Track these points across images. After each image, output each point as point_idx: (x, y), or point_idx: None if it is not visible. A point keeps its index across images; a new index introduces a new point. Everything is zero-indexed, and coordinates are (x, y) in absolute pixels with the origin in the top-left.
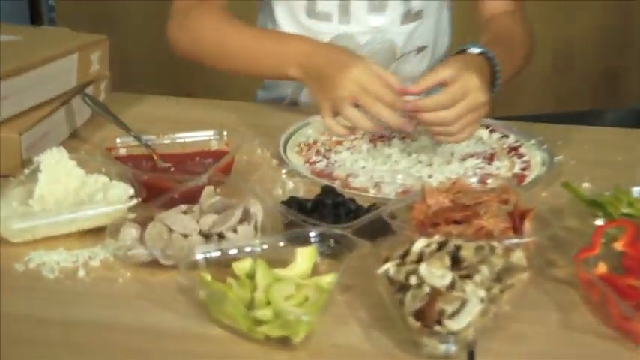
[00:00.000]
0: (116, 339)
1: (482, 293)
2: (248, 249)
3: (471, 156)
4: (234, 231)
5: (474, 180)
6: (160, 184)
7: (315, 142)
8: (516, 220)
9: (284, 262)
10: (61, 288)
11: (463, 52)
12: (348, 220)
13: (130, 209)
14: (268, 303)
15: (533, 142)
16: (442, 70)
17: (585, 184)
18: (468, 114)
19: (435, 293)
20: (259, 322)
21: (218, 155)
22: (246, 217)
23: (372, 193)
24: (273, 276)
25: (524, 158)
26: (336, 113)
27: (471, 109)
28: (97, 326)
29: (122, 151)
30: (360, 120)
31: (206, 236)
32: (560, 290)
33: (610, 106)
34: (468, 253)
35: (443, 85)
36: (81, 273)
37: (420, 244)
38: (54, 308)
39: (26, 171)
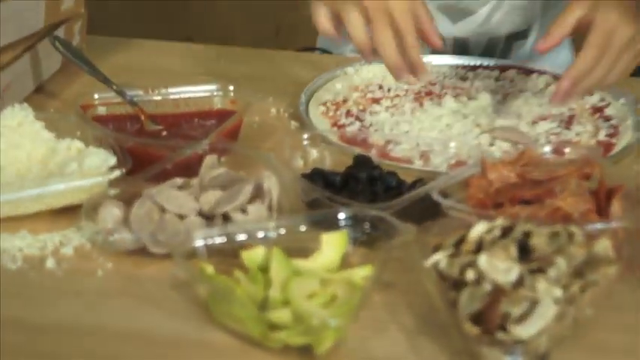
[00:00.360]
0: (94, 346)
1: (557, 292)
2: (261, 234)
3: (544, 118)
4: (244, 211)
5: (547, 149)
6: (150, 151)
7: (345, 100)
8: (601, 200)
9: (306, 252)
10: (24, 282)
11: None
12: (388, 198)
13: (112, 183)
14: (286, 303)
15: (623, 100)
16: (572, 13)
17: None
18: (621, 58)
19: (498, 292)
20: (275, 326)
21: (222, 116)
22: (258, 194)
23: (418, 164)
24: (293, 269)
25: (612, 122)
26: (334, 14)
27: (621, 51)
28: (70, 330)
29: (101, 110)
30: (359, 33)
31: (208, 218)
32: None
33: None
34: (539, 241)
35: (577, 30)
36: (50, 263)
37: (478, 229)
38: (16, 307)
39: None
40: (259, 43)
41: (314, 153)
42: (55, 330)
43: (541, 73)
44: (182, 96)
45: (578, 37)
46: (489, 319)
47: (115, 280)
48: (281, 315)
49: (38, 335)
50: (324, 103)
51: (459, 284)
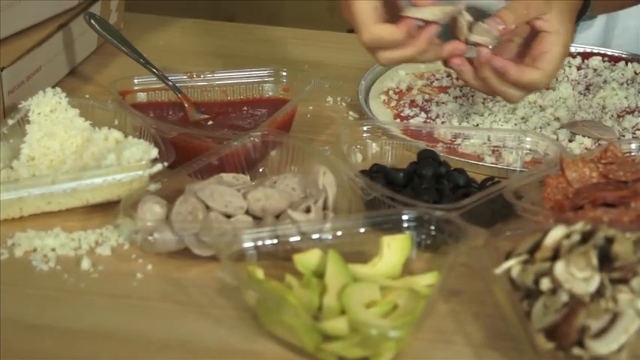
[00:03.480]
0: (132, 355)
1: None
2: (315, 236)
3: (631, 111)
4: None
5: (634, 145)
6: (194, 143)
7: (409, 89)
8: None
9: (365, 256)
10: (57, 284)
11: None
12: (455, 198)
13: (153, 177)
14: (342, 312)
15: None
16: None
17: None
18: None
19: (576, 303)
20: (329, 337)
21: (274, 104)
22: (312, 192)
23: (489, 161)
24: (350, 274)
25: None
26: None
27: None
28: (107, 337)
29: (141, 96)
30: None
31: (257, 217)
32: None
33: None
34: (623, 248)
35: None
36: (85, 264)
37: (556, 234)
38: (48, 312)
39: (10, 121)
40: (311, 24)
41: (374, 147)
42: (90, 336)
43: (629, 60)
44: (230, 82)
45: None
46: (565, 333)
47: (156, 284)
48: (336, 325)
49: (72, 341)
50: (386, 92)
51: (532, 294)
